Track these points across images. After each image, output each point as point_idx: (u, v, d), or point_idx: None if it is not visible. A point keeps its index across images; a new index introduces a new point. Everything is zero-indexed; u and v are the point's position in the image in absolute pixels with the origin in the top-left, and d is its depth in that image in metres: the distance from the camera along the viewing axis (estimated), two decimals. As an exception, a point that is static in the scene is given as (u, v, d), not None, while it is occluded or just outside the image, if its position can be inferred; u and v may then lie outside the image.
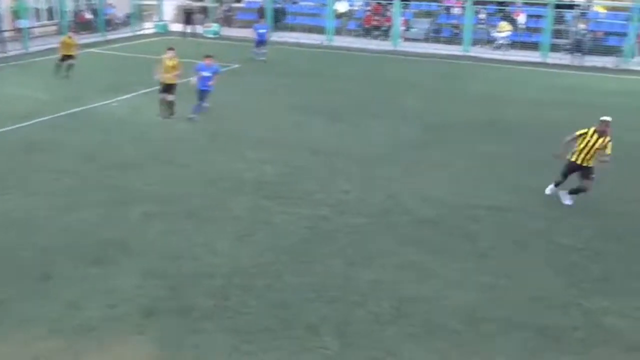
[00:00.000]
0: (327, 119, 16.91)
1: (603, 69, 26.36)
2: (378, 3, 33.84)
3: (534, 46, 29.64)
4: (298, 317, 7.64)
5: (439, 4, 33.99)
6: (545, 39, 29.19)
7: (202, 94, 16.02)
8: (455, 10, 32.99)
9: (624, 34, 28.46)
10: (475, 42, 30.47)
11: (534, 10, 31.52)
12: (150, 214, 10.48)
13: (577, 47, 28.06)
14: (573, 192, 11.28)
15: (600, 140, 10.76)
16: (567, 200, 11.34)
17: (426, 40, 32.24)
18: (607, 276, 8.89)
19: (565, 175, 11.32)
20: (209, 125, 15.68)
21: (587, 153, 10.90)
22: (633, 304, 8.18)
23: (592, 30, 29.43)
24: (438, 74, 24.54)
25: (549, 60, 27.99)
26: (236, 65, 24.46)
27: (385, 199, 11.43)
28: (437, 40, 32.16)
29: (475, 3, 30.99)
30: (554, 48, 29.06)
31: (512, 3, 32.53)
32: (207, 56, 15.97)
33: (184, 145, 14.27)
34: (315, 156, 13.75)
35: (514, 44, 30.18)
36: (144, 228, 9.98)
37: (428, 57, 28.50)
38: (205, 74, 15.82)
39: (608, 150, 10.79)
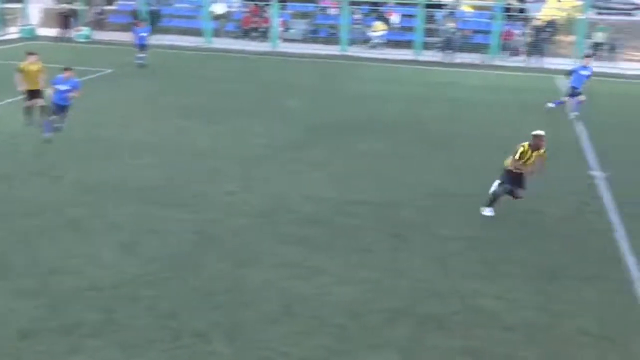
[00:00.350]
0: (207, 121, 16.71)
1: (472, 65, 27.77)
2: (256, 4, 33.85)
3: (407, 44, 30.76)
4: (187, 325, 7.52)
5: (316, 4, 34.50)
6: (418, 37, 30.37)
7: (59, 108, 14.61)
8: (332, 11, 33.61)
9: (489, 32, 30.15)
10: (352, 42, 31.19)
11: (407, 10, 32.69)
12: (23, 228, 9.93)
13: (448, 45, 29.41)
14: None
15: (535, 153, 10.63)
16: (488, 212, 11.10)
17: (304, 40, 32.62)
18: (483, 262, 9.37)
19: (509, 187, 10.94)
20: (85, 133, 15.05)
21: (525, 163, 10.75)
22: (508, 286, 8.69)
23: (461, 29, 30.93)
24: (317, 74, 24.91)
25: (423, 58, 29.14)
26: (110, 70, 23.64)
27: (269, 199, 11.47)
28: (315, 40, 32.62)
29: (351, 4, 31.73)
30: (427, 46, 30.31)
31: (386, 3, 33.58)
32: (66, 69, 14.59)
33: (57, 154, 13.62)
34: (197, 159, 13.56)
35: (389, 43, 31.17)
36: (16, 244, 9.44)
37: (307, 57, 28.84)
38: (62, 87, 14.40)
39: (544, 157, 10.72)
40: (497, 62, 28.39)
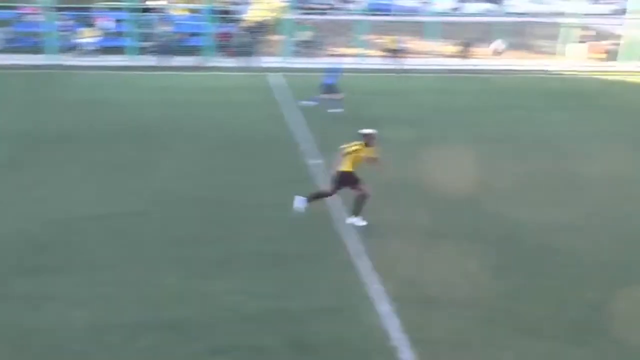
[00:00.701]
0: None
1: (189, 68, 27.97)
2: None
3: (121, 50, 29.92)
4: None
5: (14, 11, 31.75)
6: (132, 42, 29.73)
7: None
8: (32, 18, 31.22)
9: (203, 34, 30.67)
10: (62, 50, 29.40)
11: (118, 15, 31.72)
12: None
13: (163, 49, 29.22)
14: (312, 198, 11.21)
15: (367, 149, 10.81)
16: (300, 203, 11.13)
17: (4, 51, 29.86)
18: (217, 261, 9.54)
19: (339, 187, 10.99)
20: None
21: (358, 163, 10.88)
22: (244, 280, 8.97)
23: (176, 32, 30.92)
24: (22, 86, 23.04)
25: (138, 63, 28.57)
26: None
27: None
28: (17, 50, 30.00)
29: (55, 10, 29.86)
30: (142, 51, 29.81)
31: (93, 9, 32.19)
32: None
33: None
34: None
35: (101, 49, 29.99)
36: None
37: (8, 69, 26.41)
38: None
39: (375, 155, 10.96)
40: (213, 64, 29.00)
